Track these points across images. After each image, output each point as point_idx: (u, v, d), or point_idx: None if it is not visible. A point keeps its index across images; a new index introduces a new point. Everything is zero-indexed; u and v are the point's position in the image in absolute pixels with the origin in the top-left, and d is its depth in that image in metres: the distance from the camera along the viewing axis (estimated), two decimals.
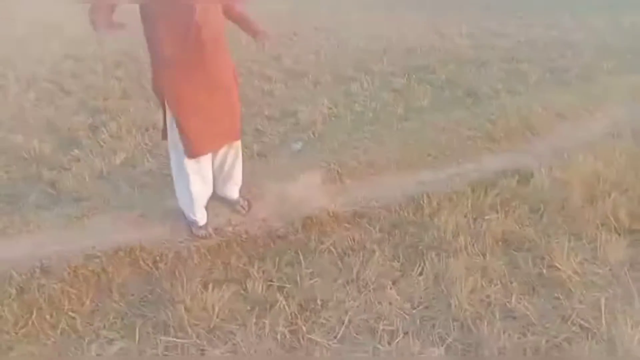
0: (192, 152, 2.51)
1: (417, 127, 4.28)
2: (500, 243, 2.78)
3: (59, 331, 2.17)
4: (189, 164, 2.56)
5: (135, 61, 7.68)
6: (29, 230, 2.70)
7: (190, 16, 2.26)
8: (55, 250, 2.49)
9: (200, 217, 2.78)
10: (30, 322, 2.18)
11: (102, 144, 4.13)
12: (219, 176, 2.92)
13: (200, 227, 2.79)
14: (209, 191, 2.81)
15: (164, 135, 2.63)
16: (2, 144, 4.18)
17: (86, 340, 2.13)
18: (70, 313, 2.23)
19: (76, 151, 3.97)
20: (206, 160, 2.65)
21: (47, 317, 2.21)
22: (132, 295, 2.39)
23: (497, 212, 3.02)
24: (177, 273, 2.50)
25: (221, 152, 2.80)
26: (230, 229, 2.89)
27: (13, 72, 6.83)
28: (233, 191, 3.01)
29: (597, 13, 13.01)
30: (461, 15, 13.49)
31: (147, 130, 4.50)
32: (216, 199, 2.99)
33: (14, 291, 2.28)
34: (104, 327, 2.21)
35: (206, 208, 2.87)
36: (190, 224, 2.80)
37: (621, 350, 2.09)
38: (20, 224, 2.75)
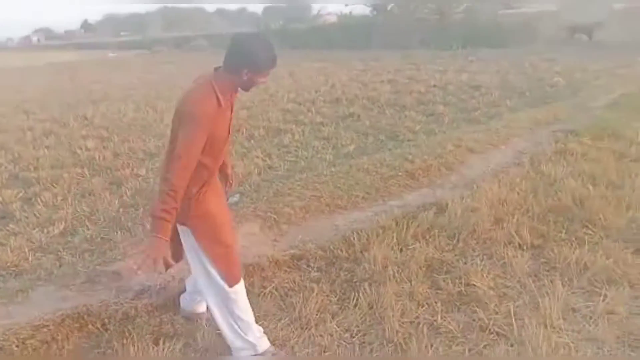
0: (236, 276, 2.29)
1: (345, 171, 4.66)
2: (423, 269, 3.12)
3: None
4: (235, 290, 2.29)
5: (65, 127, 7.68)
6: None
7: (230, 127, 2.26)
8: (1, 324, 2.51)
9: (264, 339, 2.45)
10: None
11: (37, 215, 4.14)
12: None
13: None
14: None
15: (177, 258, 2.34)
16: None
17: None
18: None
19: (11, 225, 3.95)
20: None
21: None
22: (84, 359, 2.46)
23: (419, 242, 3.39)
24: (126, 332, 2.60)
25: None
26: (175, 285, 3.02)
27: None
28: (203, 306, 2.73)
29: (502, 56, 14.56)
30: (381, 64, 14.58)
31: (83, 197, 4.55)
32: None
33: None
34: None
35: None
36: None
37: (529, 349, 2.43)
38: None
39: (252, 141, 6.50)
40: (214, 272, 2.24)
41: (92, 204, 4.30)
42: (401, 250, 3.33)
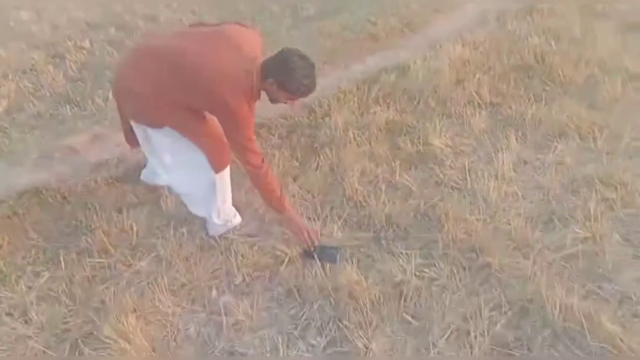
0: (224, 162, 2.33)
1: (305, 36, 4.43)
2: (383, 131, 3.15)
3: None
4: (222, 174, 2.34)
5: None
6: None
7: None
8: None
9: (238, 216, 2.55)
10: None
11: None
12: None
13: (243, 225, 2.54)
14: None
15: (133, 144, 2.44)
16: None
17: (12, 278, 2.23)
18: None
19: None
20: None
21: None
22: (49, 231, 2.47)
23: (380, 105, 3.37)
24: (89, 204, 2.60)
25: None
26: (134, 157, 2.97)
27: None
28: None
29: None
30: None
31: (24, 73, 4.22)
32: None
33: None
34: (28, 263, 2.30)
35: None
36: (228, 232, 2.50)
37: (480, 198, 2.58)
38: None
39: (203, 5, 5.99)
40: (200, 161, 2.23)
41: (35, 79, 4.01)
42: (362, 114, 3.32)
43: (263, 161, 2.16)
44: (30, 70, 4.19)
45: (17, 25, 5.39)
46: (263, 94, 2.11)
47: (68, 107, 3.51)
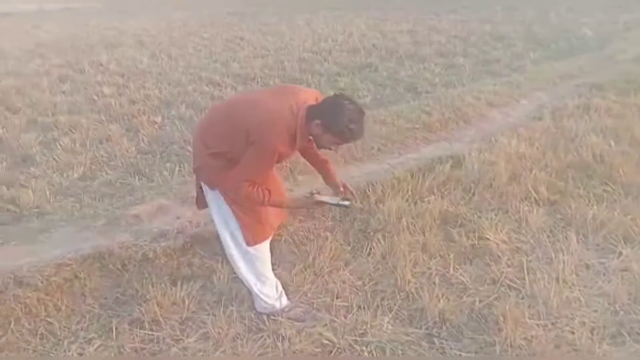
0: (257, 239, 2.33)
1: None
2: (437, 221, 3.13)
3: (38, 337, 2.31)
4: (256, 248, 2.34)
5: (81, 73, 7.66)
6: None
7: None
8: (26, 261, 2.61)
9: (284, 298, 2.50)
10: (9, 331, 2.30)
11: (57, 159, 4.20)
12: None
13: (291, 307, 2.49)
14: None
15: (200, 205, 2.51)
16: None
17: (65, 343, 2.28)
18: (47, 319, 2.38)
19: (32, 169, 4.02)
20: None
21: (26, 324, 2.34)
22: (105, 298, 2.56)
23: (434, 195, 3.38)
24: (146, 273, 2.69)
25: None
26: (192, 230, 3.09)
27: None
28: None
29: (527, 6, 13.91)
30: (401, 14, 14.07)
31: (101, 143, 4.59)
32: None
33: None
34: (82, 329, 2.36)
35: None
36: (277, 314, 2.43)
37: (541, 301, 2.46)
38: None
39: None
40: (236, 229, 2.31)
41: (110, 149, 4.34)
42: (416, 202, 3.33)
43: (249, 185, 2.09)
44: (107, 140, 4.56)
45: (99, 99, 5.95)
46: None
47: (137, 177, 3.76)
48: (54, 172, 3.93)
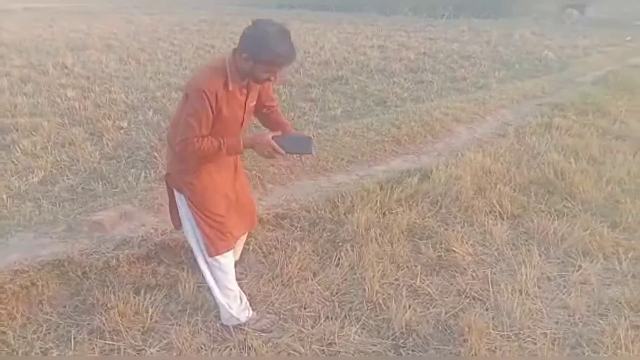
0: (218, 249, 2.28)
1: (331, 134, 4.63)
2: (405, 233, 3.16)
3: None
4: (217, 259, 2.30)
5: (44, 74, 7.41)
6: None
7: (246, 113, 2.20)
8: None
9: (248, 311, 2.44)
10: None
11: (15, 162, 4.03)
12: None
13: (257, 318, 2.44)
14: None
15: (176, 225, 2.46)
16: None
17: (19, 353, 2.17)
18: (0, 328, 2.26)
19: None
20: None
21: None
22: (64, 306, 2.46)
23: (402, 207, 3.42)
24: (107, 282, 2.59)
25: None
26: (157, 238, 3.00)
27: None
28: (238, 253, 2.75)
29: (493, 27, 14.41)
30: (372, 29, 14.31)
31: (63, 147, 4.44)
32: None
33: None
34: (38, 338, 2.26)
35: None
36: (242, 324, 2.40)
37: (504, 313, 2.51)
38: None
39: None
40: (199, 237, 2.28)
41: (73, 154, 4.20)
42: (384, 214, 3.36)
43: (196, 140, 2.03)
44: (69, 144, 4.41)
45: (62, 102, 5.76)
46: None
47: (100, 183, 3.64)
48: (12, 176, 3.77)
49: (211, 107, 2.00)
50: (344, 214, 3.34)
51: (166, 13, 19.17)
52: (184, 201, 2.26)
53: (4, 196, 3.39)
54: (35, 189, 3.57)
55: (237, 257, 2.73)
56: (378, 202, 3.46)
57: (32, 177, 3.73)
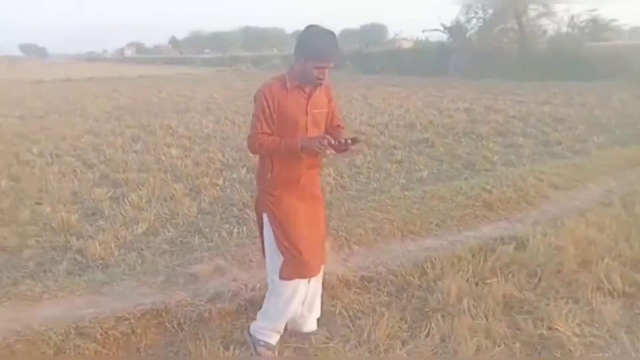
0: (298, 273, 2.37)
1: (418, 196, 4.57)
2: (501, 306, 2.95)
3: None
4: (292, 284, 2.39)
5: (152, 134, 8.20)
6: (63, 295, 2.89)
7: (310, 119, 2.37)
8: (88, 312, 2.68)
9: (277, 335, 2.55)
10: None
11: (124, 214, 4.41)
12: (301, 308, 2.59)
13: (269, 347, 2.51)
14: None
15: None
16: (31, 215, 4.46)
17: None
18: None
19: (101, 222, 4.23)
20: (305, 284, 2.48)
21: None
22: (159, 356, 2.55)
23: (497, 277, 3.22)
24: (200, 334, 2.67)
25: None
26: (247, 294, 3.07)
27: (37, 147, 7.27)
28: (314, 324, 2.72)
29: (587, 90, 13.80)
30: (457, 92, 14.31)
31: (165, 201, 4.80)
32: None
33: (51, 352, 2.44)
34: None
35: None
36: (257, 343, 2.50)
37: None
38: (55, 289, 2.95)
39: (324, 159, 6.56)
40: (277, 257, 2.41)
41: (173, 208, 4.51)
42: (477, 283, 3.18)
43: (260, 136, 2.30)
44: (170, 198, 4.76)
45: (166, 159, 6.30)
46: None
47: (197, 236, 3.85)
48: (120, 226, 4.11)
49: (270, 105, 2.28)
50: (434, 280, 3.21)
51: (259, 79, 20.66)
52: (267, 221, 2.42)
53: (112, 245, 3.69)
54: (139, 240, 3.86)
55: (318, 313, 2.74)
56: (470, 270, 3.29)
57: (137, 228, 4.04)
